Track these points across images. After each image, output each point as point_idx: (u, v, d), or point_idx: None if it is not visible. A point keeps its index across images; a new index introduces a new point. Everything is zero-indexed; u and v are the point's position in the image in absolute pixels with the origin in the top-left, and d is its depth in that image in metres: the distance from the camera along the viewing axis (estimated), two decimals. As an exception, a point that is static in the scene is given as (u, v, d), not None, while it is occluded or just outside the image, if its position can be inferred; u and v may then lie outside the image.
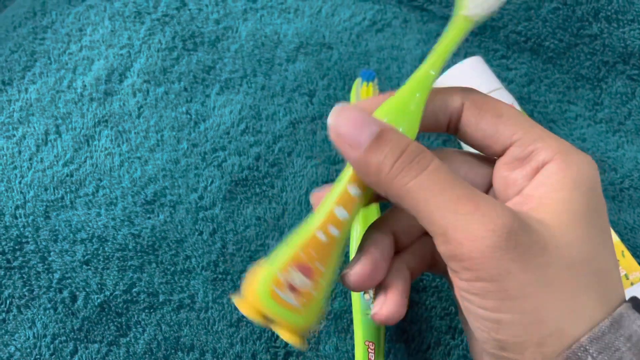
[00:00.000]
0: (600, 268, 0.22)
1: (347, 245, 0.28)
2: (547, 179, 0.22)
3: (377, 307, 0.25)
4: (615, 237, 0.35)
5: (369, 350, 0.32)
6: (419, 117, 0.23)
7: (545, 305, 0.20)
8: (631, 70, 0.42)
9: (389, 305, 0.25)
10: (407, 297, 0.25)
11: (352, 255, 0.33)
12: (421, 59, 0.41)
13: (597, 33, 0.42)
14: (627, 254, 0.34)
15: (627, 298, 0.23)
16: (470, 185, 0.21)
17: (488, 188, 0.25)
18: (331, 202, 0.23)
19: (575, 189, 0.22)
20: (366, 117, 0.22)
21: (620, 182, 0.39)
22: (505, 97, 0.37)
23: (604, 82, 0.42)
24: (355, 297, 0.33)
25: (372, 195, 0.24)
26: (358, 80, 0.38)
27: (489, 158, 0.25)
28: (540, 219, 0.21)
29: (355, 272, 0.24)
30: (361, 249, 0.25)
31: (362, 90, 0.37)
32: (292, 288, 0.22)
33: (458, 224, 0.20)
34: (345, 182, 0.23)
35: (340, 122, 0.22)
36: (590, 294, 0.21)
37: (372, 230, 0.26)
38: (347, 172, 0.23)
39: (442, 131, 0.25)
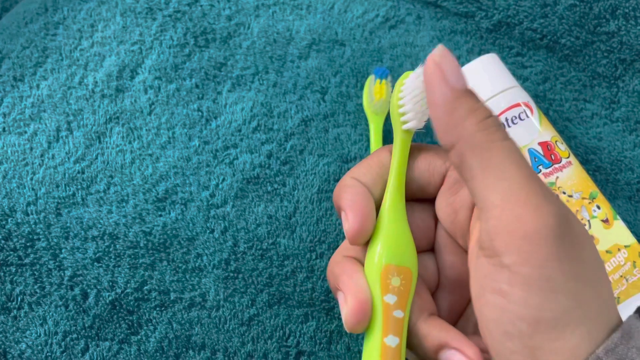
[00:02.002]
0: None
1: None
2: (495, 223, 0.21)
3: (344, 227, 0.24)
4: (632, 239, 0.34)
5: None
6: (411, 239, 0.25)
7: (582, 303, 0.19)
8: (649, 69, 0.41)
9: (351, 221, 0.24)
10: (371, 215, 0.24)
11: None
12: (435, 56, 0.41)
13: (615, 30, 0.41)
14: (645, 255, 0.34)
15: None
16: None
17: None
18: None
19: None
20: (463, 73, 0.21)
21: (637, 182, 0.39)
22: (520, 94, 0.37)
23: (620, 81, 0.41)
24: None
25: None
26: (371, 78, 0.38)
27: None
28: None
29: (348, 229, 0.24)
30: (342, 206, 0.24)
31: (375, 88, 0.37)
32: None
33: (524, 198, 0.19)
34: (381, 334, 0.23)
35: (445, 60, 0.21)
36: (610, 296, 0.21)
37: (347, 182, 0.25)
38: (376, 320, 0.23)
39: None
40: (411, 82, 0.24)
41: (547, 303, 0.19)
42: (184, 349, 0.33)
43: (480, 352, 0.22)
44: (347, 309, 0.23)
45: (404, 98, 0.24)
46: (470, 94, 0.21)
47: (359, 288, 0.23)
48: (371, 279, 0.23)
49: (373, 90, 0.37)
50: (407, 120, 0.25)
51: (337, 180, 0.37)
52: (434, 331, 0.23)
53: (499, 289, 0.20)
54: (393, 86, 0.38)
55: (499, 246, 0.20)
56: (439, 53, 0.21)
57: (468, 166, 0.20)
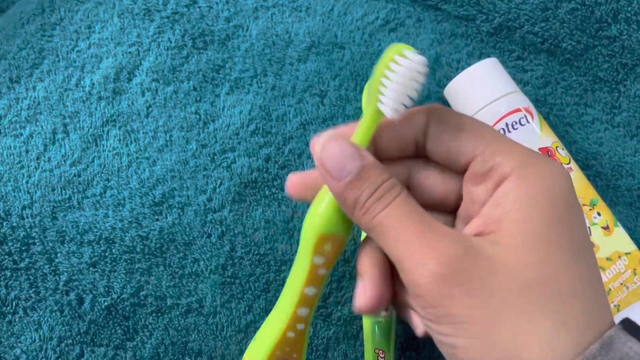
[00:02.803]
0: (563, 290, 0.20)
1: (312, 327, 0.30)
2: (504, 198, 0.22)
3: (357, 298, 0.24)
4: (632, 246, 0.34)
5: (380, 358, 0.32)
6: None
7: (495, 330, 0.20)
8: (650, 73, 0.41)
9: (367, 294, 0.24)
10: (386, 283, 0.24)
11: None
12: (435, 59, 0.41)
13: (616, 35, 0.41)
14: (645, 263, 0.33)
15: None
16: (426, 213, 0.22)
17: (459, 199, 0.25)
18: (292, 304, 0.26)
19: (532, 206, 0.21)
20: (351, 152, 0.22)
21: (638, 187, 0.38)
22: (520, 99, 0.36)
23: (622, 85, 0.41)
24: None
25: (324, 287, 0.27)
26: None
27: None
28: (496, 240, 0.21)
29: (365, 302, 0.24)
30: (360, 272, 0.25)
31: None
32: None
33: (407, 253, 0.21)
34: (302, 285, 0.26)
35: (326, 155, 0.22)
36: (550, 317, 0.20)
37: (364, 249, 0.25)
38: (302, 275, 0.26)
39: (412, 154, 0.25)
40: (401, 68, 0.23)
41: (456, 332, 0.20)
42: (180, 356, 0.32)
43: (376, 299, 0.23)
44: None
45: (389, 78, 0.23)
46: (358, 175, 0.22)
47: None
48: (305, 238, 0.26)
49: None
50: (383, 103, 0.23)
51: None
52: (364, 261, 0.25)
53: (426, 324, 0.22)
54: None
55: (410, 295, 0.22)
56: (318, 148, 0.23)
57: (373, 237, 0.23)
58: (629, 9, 0.40)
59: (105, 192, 0.35)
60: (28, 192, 0.35)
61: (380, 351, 0.32)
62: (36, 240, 0.34)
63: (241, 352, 0.32)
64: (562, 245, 0.21)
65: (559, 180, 0.22)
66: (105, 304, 0.33)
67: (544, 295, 0.20)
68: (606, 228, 0.34)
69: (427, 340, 0.33)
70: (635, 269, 0.33)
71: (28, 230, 0.34)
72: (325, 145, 0.22)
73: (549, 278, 0.20)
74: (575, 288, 0.21)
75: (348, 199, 0.22)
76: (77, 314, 0.33)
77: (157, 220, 0.35)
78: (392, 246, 0.22)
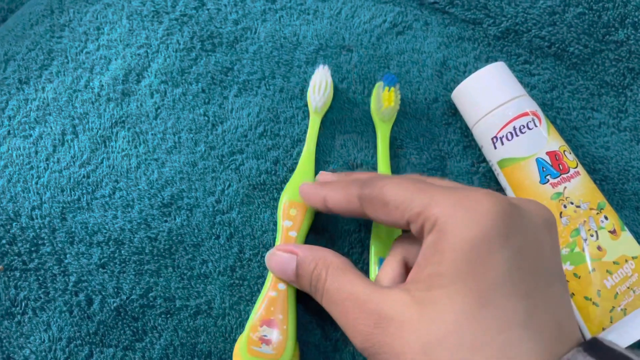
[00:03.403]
0: (465, 344, 0.20)
1: (296, 291, 0.33)
2: (421, 256, 0.23)
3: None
4: (639, 250, 0.34)
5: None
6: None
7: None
8: (657, 78, 0.41)
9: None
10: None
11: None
12: (442, 63, 0.41)
13: (624, 39, 0.41)
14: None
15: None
16: (353, 283, 0.25)
17: None
18: None
19: (438, 261, 0.22)
20: (286, 255, 0.29)
21: (644, 192, 0.38)
22: (528, 103, 0.37)
23: (629, 90, 0.41)
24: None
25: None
26: (379, 84, 0.38)
27: None
28: (407, 300, 0.22)
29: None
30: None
31: (383, 95, 0.37)
32: (265, 340, 0.30)
33: (343, 321, 0.25)
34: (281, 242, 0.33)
35: (272, 266, 0.31)
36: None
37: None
38: (277, 238, 0.33)
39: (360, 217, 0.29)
40: (316, 76, 0.38)
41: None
42: (189, 357, 0.32)
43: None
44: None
45: (315, 88, 0.37)
46: (297, 275, 0.29)
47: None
48: (278, 206, 0.34)
49: (382, 97, 0.37)
50: (314, 105, 0.37)
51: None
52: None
53: None
54: (401, 94, 0.38)
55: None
56: (266, 261, 0.31)
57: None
58: (636, 13, 0.41)
59: (114, 193, 0.36)
60: (37, 193, 0.35)
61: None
62: (45, 241, 0.34)
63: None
64: (468, 294, 0.20)
65: (478, 218, 0.22)
66: (115, 304, 0.33)
67: (447, 353, 0.20)
68: (613, 232, 0.34)
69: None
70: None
71: (37, 231, 0.34)
72: (268, 259, 0.31)
73: (450, 334, 0.20)
74: (482, 338, 0.20)
75: (304, 288, 0.29)
76: (86, 314, 0.33)
77: (166, 221, 0.35)
78: (334, 312, 0.26)
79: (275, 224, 0.36)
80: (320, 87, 0.37)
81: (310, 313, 0.34)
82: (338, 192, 0.29)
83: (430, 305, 0.21)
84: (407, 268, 0.28)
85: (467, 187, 0.24)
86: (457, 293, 0.21)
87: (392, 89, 0.36)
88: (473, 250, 0.21)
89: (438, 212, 0.22)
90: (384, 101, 0.36)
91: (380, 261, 0.33)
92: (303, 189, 0.32)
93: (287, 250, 0.29)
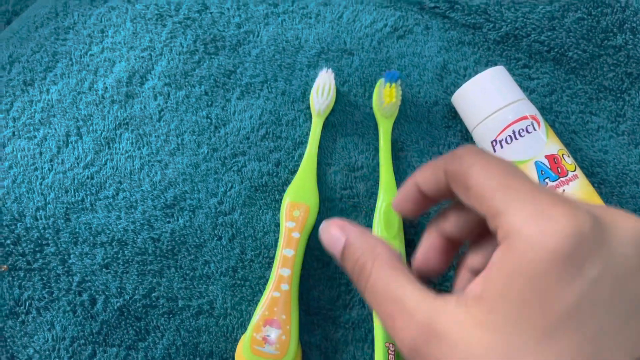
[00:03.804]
0: None
1: (298, 293, 0.33)
2: (488, 271, 0.21)
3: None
4: None
5: (389, 351, 0.32)
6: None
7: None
8: (655, 83, 0.41)
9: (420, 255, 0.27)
10: (440, 253, 0.27)
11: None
12: (442, 66, 0.41)
13: (622, 44, 0.41)
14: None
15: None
16: (403, 280, 0.23)
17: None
18: (275, 266, 0.33)
19: (507, 284, 0.20)
20: (337, 234, 0.27)
21: (642, 195, 0.39)
22: (527, 107, 0.37)
23: (627, 94, 0.41)
24: None
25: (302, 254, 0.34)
26: (381, 81, 0.38)
27: None
28: (465, 319, 0.20)
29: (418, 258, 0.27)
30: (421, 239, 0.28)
31: (384, 92, 0.37)
32: (269, 340, 0.31)
33: (387, 322, 0.23)
34: (281, 248, 0.33)
35: (323, 237, 0.27)
36: None
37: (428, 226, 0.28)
38: (281, 240, 0.34)
39: (448, 199, 0.27)
40: (320, 79, 0.38)
41: None
42: (191, 357, 0.33)
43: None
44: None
45: (318, 91, 0.38)
46: (343, 253, 0.26)
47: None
48: (281, 208, 0.35)
49: (383, 94, 0.37)
50: (316, 109, 0.38)
51: (345, 189, 0.37)
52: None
53: None
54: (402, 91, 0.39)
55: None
56: (320, 232, 0.28)
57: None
58: (635, 19, 0.41)
59: (117, 194, 0.36)
60: (42, 194, 0.35)
61: (390, 344, 0.32)
62: (50, 242, 0.34)
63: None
64: (532, 325, 0.19)
65: (551, 239, 0.19)
66: (118, 304, 0.33)
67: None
68: (611, 235, 0.34)
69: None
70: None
71: (42, 231, 0.35)
72: (321, 230, 0.28)
73: None
74: None
75: (345, 267, 0.27)
76: (89, 314, 0.33)
77: (169, 222, 0.35)
78: (378, 310, 0.24)
79: (276, 225, 0.36)
80: (323, 90, 0.38)
81: (312, 313, 0.34)
82: (427, 169, 0.26)
83: (490, 332, 0.20)
84: (473, 272, 0.26)
85: (550, 193, 0.21)
86: (519, 324, 0.19)
87: (394, 85, 0.37)
88: (542, 277, 0.19)
89: (512, 222, 0.20)
90: (385, 97, 0.37)
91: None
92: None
93: (340, 226, 0.27)
